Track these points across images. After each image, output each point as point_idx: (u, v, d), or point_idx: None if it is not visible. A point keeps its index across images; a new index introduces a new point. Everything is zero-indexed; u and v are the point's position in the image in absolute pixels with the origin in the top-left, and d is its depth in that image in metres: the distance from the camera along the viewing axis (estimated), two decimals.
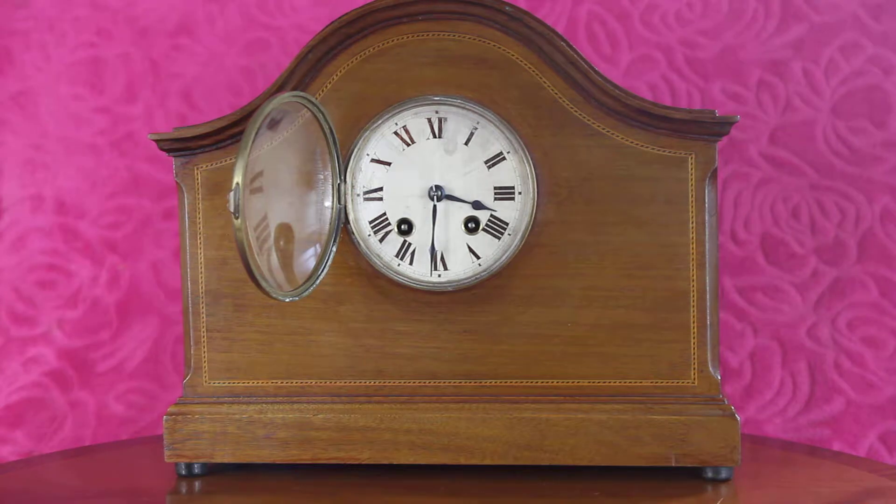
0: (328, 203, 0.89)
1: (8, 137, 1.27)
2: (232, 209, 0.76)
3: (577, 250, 0.88)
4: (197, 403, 0.91)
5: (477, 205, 0.88)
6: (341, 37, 0.89)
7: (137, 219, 1.26)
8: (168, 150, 0.92)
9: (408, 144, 0.89)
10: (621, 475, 0.87)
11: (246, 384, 0.91)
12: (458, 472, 0.89)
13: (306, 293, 0.86)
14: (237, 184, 0.76)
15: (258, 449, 0.90)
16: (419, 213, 0.89)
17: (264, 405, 0.90)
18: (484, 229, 0.89)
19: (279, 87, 0.90)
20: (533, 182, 0.87)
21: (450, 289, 0.89)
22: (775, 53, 1.22)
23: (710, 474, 0.87)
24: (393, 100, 0.89)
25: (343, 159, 0.89)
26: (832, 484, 0.87)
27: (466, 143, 0.89)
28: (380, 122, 0.89)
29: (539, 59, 0.88)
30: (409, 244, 0.89)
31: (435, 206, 0.89)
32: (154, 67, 1.28)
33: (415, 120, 0.89)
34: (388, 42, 0.89)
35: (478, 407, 0.89)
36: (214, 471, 0.93)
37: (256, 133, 0.78)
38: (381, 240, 0.90)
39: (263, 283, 0.80)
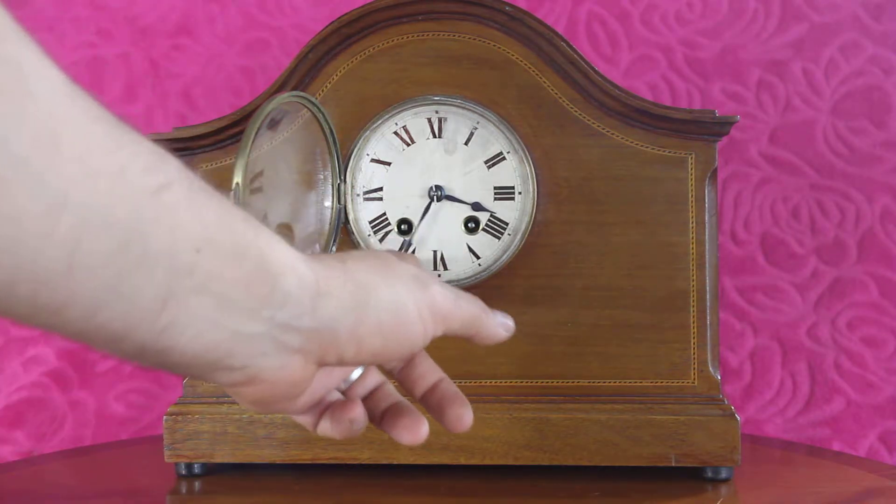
0: (328, 203, 0.89)
1: None
2: None
3: (577, 250, 0.88)
4: (197, 403, 0.91)
5: (476, 206, 0.88)
6: (341, 37, 0.89)
7: None
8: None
9: (408, 144, 0.89)
10: (621, 475, 0.87)
11: None
12: (458, 472, 0.89)
13: None
14: (237, 184, 0.76)
15: (258, 449, 0.90)
16: (419, 214, 0.89)
17: None
18: (484, 229, 0.88)
19: (279, 87, 0.90)
20: (533, 182, 0.87)
21: None
22: (775, 53, 1.22)
23: (710, 474, 0.86)
24: (393, 100, 0.89)
25: (343, 159, 0.89)
26: (832, 484, 0.87)
27: (466, 143, 0.89)
28: (380, 122, 0.89)
29: (539, 59, 0.88)
30: (409, 244, 0.89)
31: (429, 203, 0.88)
32: (154, 67, 1.28)
33: (415, 120, 0.89)
34: (388, 42, 0.89)
35: (478, 407, 0.88)
36: (214, 471, 0.92)
37: (256, 133, 0.78)
38: (381, 240, 0.89)
39: None
